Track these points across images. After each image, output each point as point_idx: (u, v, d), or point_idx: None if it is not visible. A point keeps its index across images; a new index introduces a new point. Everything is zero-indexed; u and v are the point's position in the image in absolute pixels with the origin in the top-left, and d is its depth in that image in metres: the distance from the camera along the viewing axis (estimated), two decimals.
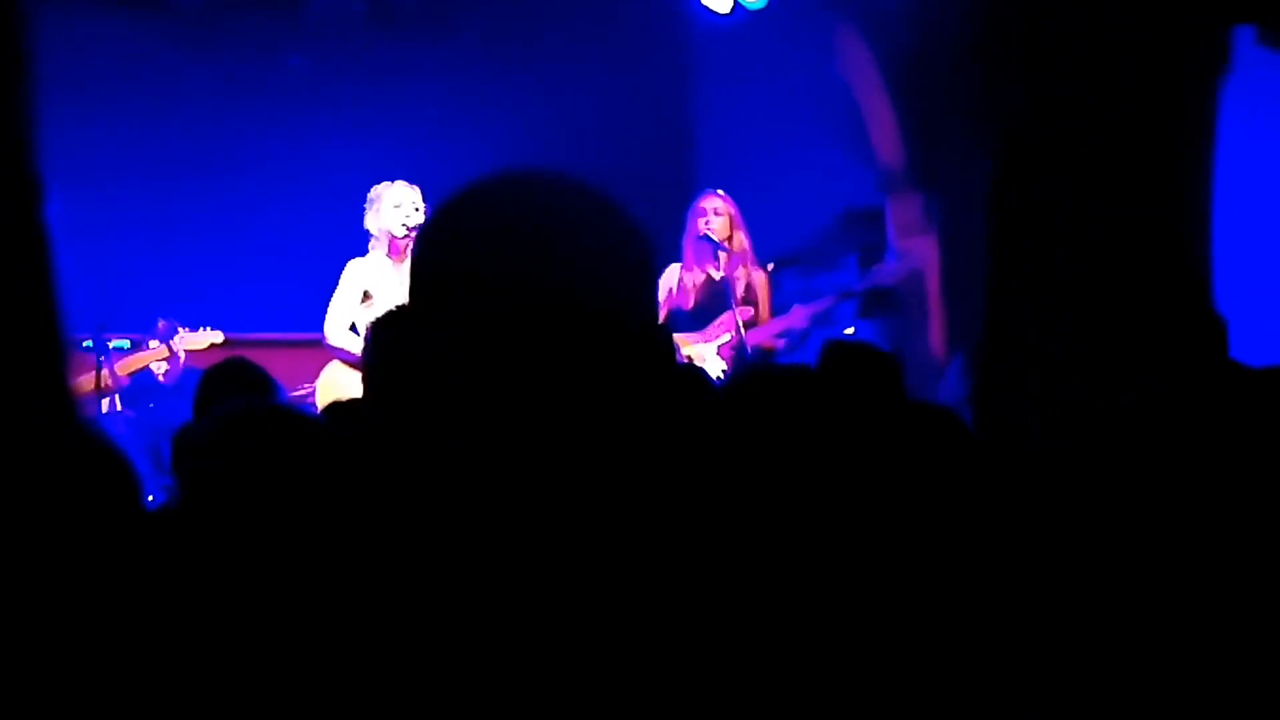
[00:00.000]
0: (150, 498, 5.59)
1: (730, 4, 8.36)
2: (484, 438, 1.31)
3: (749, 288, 6.77)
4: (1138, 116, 4.32)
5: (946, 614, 2.25)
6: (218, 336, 6.86)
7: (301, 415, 2.46)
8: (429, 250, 1.38)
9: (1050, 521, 2.50)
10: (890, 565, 2.36)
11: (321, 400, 6.46)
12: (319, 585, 1.80)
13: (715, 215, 6.75)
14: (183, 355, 6.83)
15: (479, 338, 1.30)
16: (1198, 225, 5.30)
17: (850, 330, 7.72)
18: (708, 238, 6.74)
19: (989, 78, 6.66)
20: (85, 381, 6.31)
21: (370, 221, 6.65)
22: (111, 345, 6.76)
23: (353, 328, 6.56)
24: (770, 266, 7.03)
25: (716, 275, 6.77)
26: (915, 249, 7.35)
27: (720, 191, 6.85)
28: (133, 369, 6.66)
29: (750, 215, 7.01)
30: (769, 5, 8.31)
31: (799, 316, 6.76)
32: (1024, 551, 2.41)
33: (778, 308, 6.95)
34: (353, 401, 3.87)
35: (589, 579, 1.30)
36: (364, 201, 6.68)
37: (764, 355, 6.64)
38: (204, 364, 5.33)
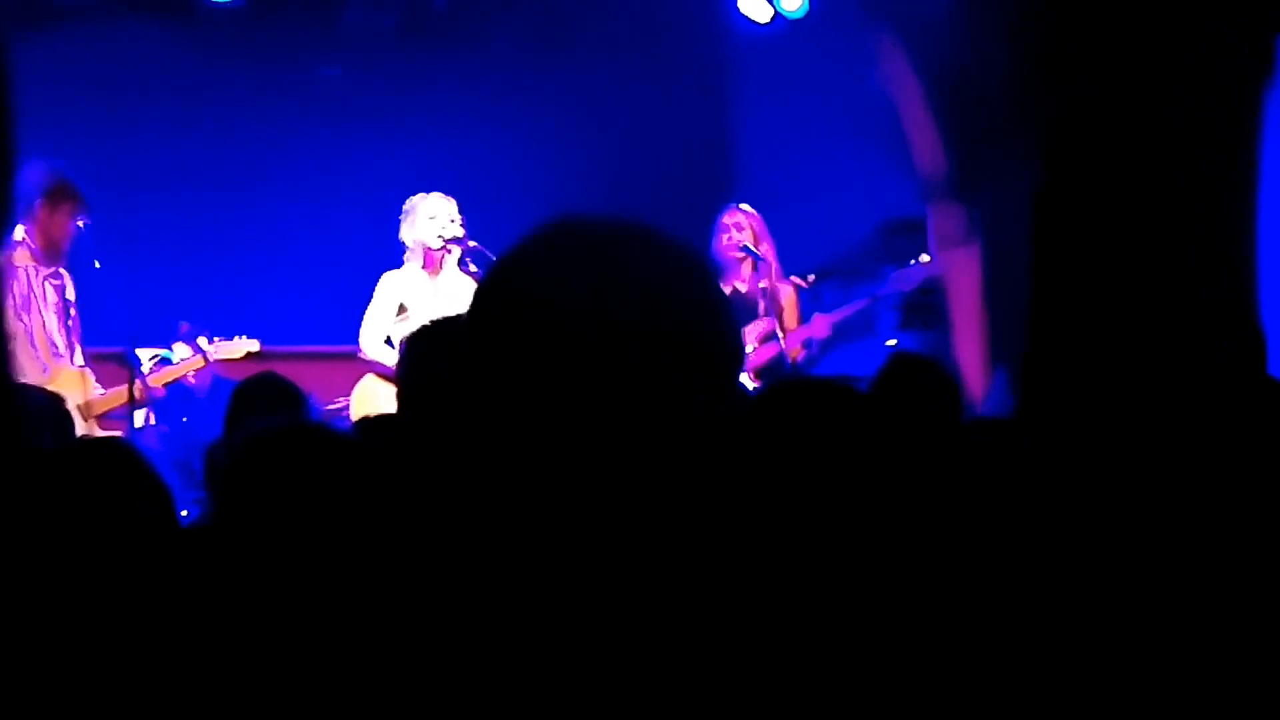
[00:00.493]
0: (185, 513, 5.57)
1: (770, 13, 8.31)
2: (525, 461, 1.30)
3: (774, 300, 6.73)
4: (1182, 126, 4.25)
5: (1005, 628, 2.21)
6: (253, 346, 6.85)
7: (333, 432, 2.47)
8: (492, 300, 1.35)
9: (1098, 535, 2.42)
10: (940, 577, 2.34)
11: (356, 413, 6.44)
12: (348, 603, 1.85)
13: (737, 230, 6.74)
14: (217, 365, 6.81)
15: (546, 378, 1.29)
16: (1243, 236, 5.21)
17: (892, 342, 7.66)
18: (747, 248, 6.71)
19: (1032, 86, 6.60)
20: (119, 394, 6.31)
21: (405, 233, 6.64)
22: (158, 356, 6.75)
23: (388, 340, 6.55)
24: (811, 278, 6.98)
25: (743, 288, 6.74)
26: (947, 258, 7.30)
27: (743, 206, 6.81)
28: (168, 381, 6.65)
29: (789, 226, 6.97)
30: (808, 14, 8.26)
31: (821, 325, 6.73)
32: (1074, 566, 2.30)
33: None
34: (385, 417, 3.86)
35: (632, 610, 1.29)
36: (399, 213, 6.66)
37: (789, 365, 6.61)
38: (238, 375, 5.31)
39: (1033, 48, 6.36)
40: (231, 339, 6.81)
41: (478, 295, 1.36)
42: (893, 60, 7.36)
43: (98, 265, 6.29)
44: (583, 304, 1.30)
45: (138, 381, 6.21)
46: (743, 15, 8.41)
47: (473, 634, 1.29)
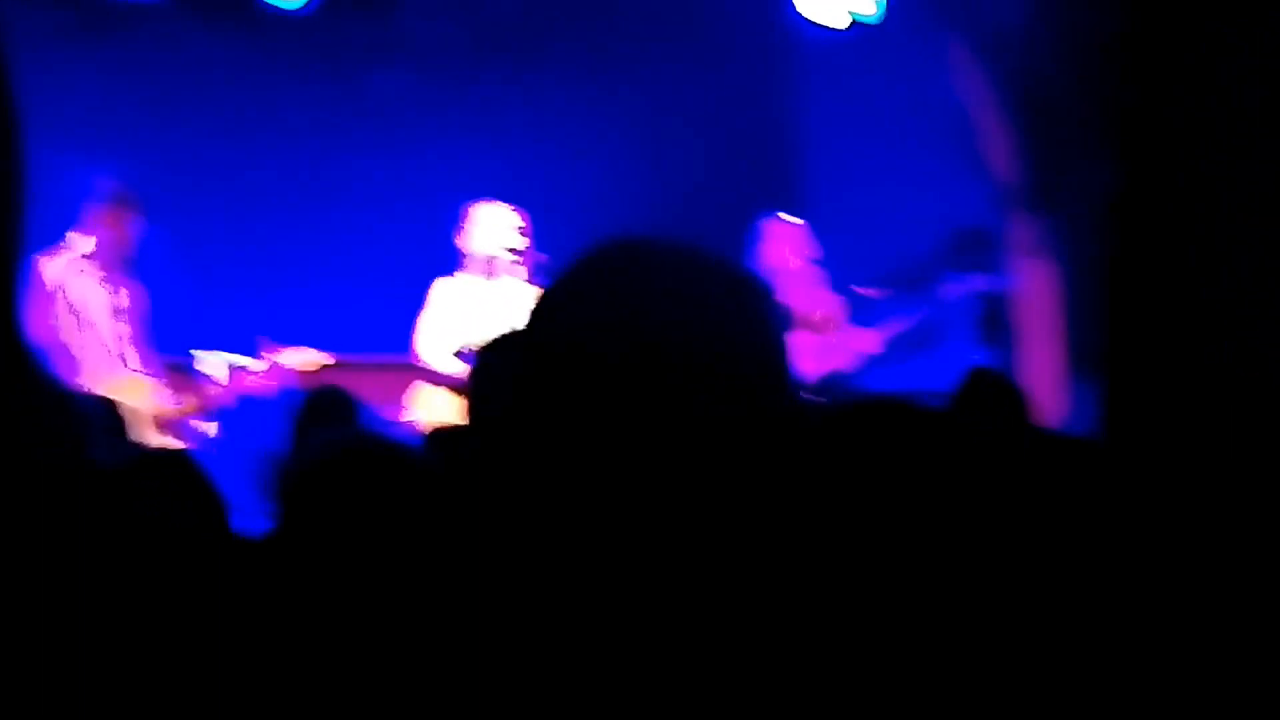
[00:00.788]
0: (251, 523, 5.54)
1: (849, 19, 8.23)
2: (593, 482, 1.31)
3: (814, 314, 6.66)
4: (1264, 132, 4.16)
5: (1086, 650, 2.17)
6: (320, 356, 6.84)
7: (398, 447, 2.49)
8: (543, 325, 1.36)
9: (1184, 554, 2.40)
10: (1021, 597, 2.27)
11: (411, 421, 6.41)
12: (408, 620, 1.86)
13: (780, 245, 6.67)
14: (285, 374, 6.80)
15: (599, 402, 1.30)
16: None
17: (967, 356, 7.56)
18: (779, 268, 6.63)
19: (1109, 93, 6.51)
20: (184, 403, 6.31)
21: (464, 241, 6.60)
22: (225, 363, 6.75)
23: (444, 349, 6.51)
24: (878, 288, 6.90)
25: (786, 302, 6.67)
26: (1022, 269, 7.22)
27: (786, 215, 6.73)
28: (235, 391, 6.63)
29: (857, 235, 6.91)
30: (881, 19, 8.18)
31: (871, 340, 6.62)
32: (1158, 589, 2.28)
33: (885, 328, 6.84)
34: (455, 429, 3.84)
35: (703, 633, 1.28)
36: (459, 221, 6.63)
37: (835, 380, 6.56)
38: (305, 385, 5.30)
39: (1110, 53, 6.26)
40: (299, 349, 6.79)
41: (530, 319, 1.37)
42: (967, 67, 7.29)
43: (161, 273, 6.31)
44: (634, 327, 1.30)
45: (202, 391, 6.21)
46: (810, 21, 8.33)
47: (527, 651, 1.28)
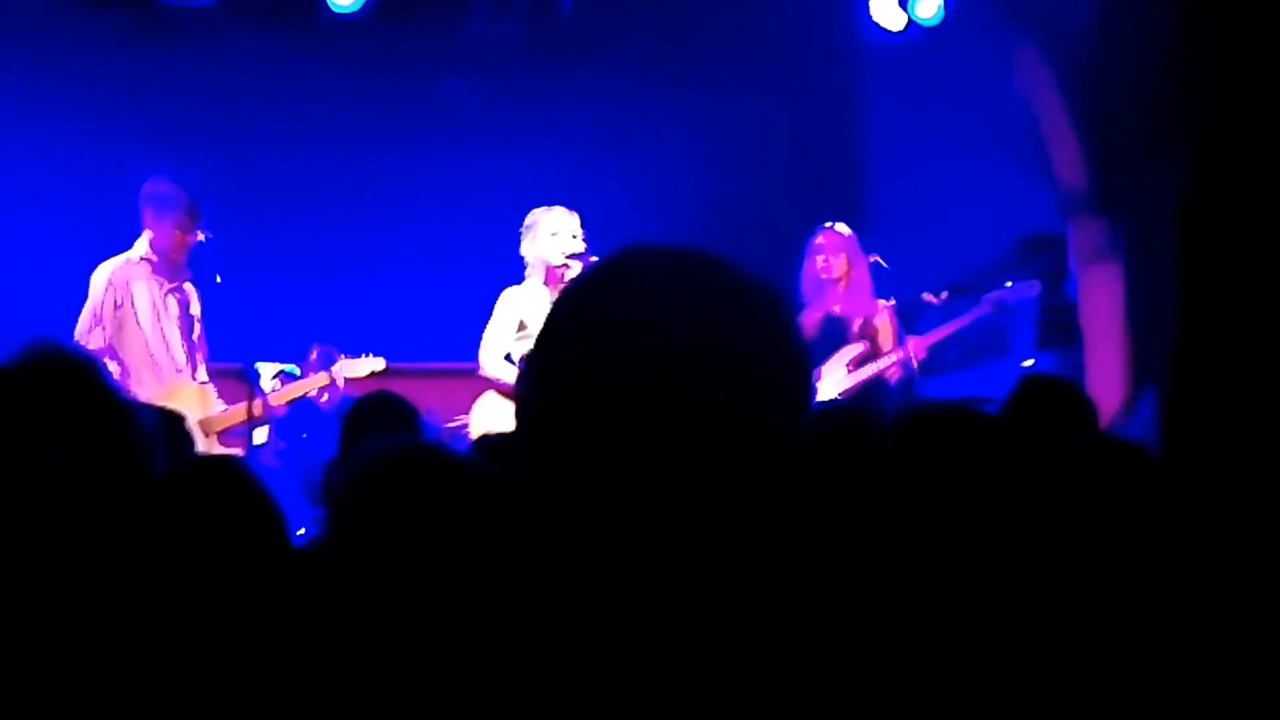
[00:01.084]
0: (302, 530, 5.56)
1: (904, 20, 8.17)
2: (632, 496, 1.30)
3: (866, 322, 6.61)
4: None
5: (1144, 662, 2.21)
6: (379, 364, 6.85)
7: (450, 454, 2.50)
8: (554, 331, 1.37)
9: (1250, 564, 2.46)
10: (1082, 610, 2.33)
11: (476, 431, 6.40)
12: (460, 631, 1.79)
13: (829, 254, 6.62)
14: (342, 383, 6.82)
15: (611, 413, 1.30)
16: None
17: (1029, 362, 7.49)
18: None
19: (1177, 97, 6.43)
20: (238, 411, 6.32)
21: (527, 249, 6.60)
22: (281, 371, 6.77)
23: (508, 357, 6.50)
24: (943, 295, 6.83)
25: (837, 310, 6.63)
26: (1088, 274, 7.13)
27: (835, 226, 6.68)
28: (290, 398, 6.65)
29: (922, 241, 6.84)
30: (943, 22, 8.12)
31: (916, 347, 6.57)
32: (1224, 596, 2.37)
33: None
34: (503, 436, 3.82)
35: (754, 638, 1.28)
36: (521, 228, 6.62)
37: (881, 387, 6.51)
38: (359, 392, 5.29)
39: (1178, 57, 6.16)
40: (357, 357, 6.80)
41: (545, 324, 1.38)
42: (1033, 70, 7.22)
43: (219, 280, 6.32)
44: (640, 336, 1.31)
45: (258, 398, 6.21)
46: (874, 24, 8.28)
47: (567, 662, 1.28)
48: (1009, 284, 6.91)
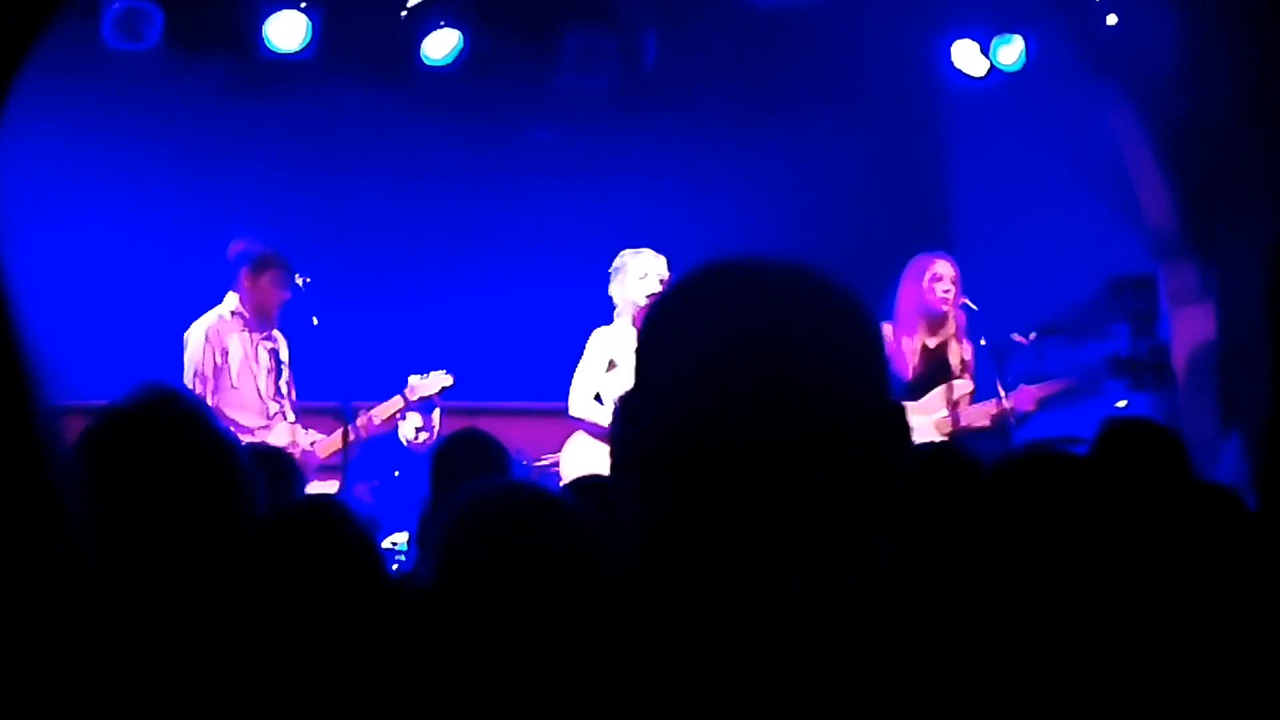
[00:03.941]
0: (395, 566, 5.62)
1: (986, 66, 8.17)
2: (725, 525, 1.29)
3: (963, 362, 6.50)
4: None
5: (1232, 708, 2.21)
6: (448, 380, 6.89)
7: (548, 495, 2.48)
8: (657, 333, 1.38)
9: None
10: (1173, 653, 2.31)
11: (567, 472, 6.43)
12: (561, 672, 1.76)
13: (952, 283, 6.48)
14: (415, 397, 6.85)
15: (710, 424, 1.29)
16: None
17: (1123, 403, 7.40)
18: (965, 306, 6.48)
19: (1266, 137, 6.37)
20: (331, 443, 6.47)
21: (615, 290, 6.66)
22: (377, 409, 6.84)
23: (598, 397, 6.54)
24: (1032, 335, 6.76)
25: (933, 344, 6.50)
26: (1180, 317, 7.05)
27: (948, 256, 6.59)
28: (375, 422, 6.72)
29: (1009, 282, 6.78)
30: (1025, 67, 8.10)
31: (1025, 398, 6.42)
32: None
33: (1040, 378, 6.67)
34: (596, 478, 3.82)
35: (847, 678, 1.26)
36: (608, 270, 6.68)
37: (989, 433, 6.38)
38: (452, 431, 5.33)
39: (1267, 97, 6.10)
40: (426, 374, 6.85)
41: (639, 337, 1.39)
42: (1119, 111, 7.17)
43: (316, 322, 6.45)
44: (733, 343, 1.30)
45: (352, 437, 6.32)
46: (956, 69, 8.28)
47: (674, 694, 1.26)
48: (1117, 326, 6.81)
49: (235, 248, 6.53)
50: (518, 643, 2.16)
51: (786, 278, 1.37)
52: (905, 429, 1.33)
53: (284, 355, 6.62)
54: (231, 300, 6.49)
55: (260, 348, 6.51)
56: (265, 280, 6.46)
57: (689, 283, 1.38)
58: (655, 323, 1.38)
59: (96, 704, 1.18)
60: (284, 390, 6.56)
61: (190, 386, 6.25)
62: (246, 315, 6.48)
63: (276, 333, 6.61)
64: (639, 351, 1.38)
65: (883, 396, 1.34)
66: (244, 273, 6.47)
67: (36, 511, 1.09)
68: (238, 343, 6.44)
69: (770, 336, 1.31)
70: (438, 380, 6.82)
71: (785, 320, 1.32)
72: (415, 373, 6.85)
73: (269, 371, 6.52)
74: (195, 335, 6.42)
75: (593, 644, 1.41)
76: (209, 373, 6.35)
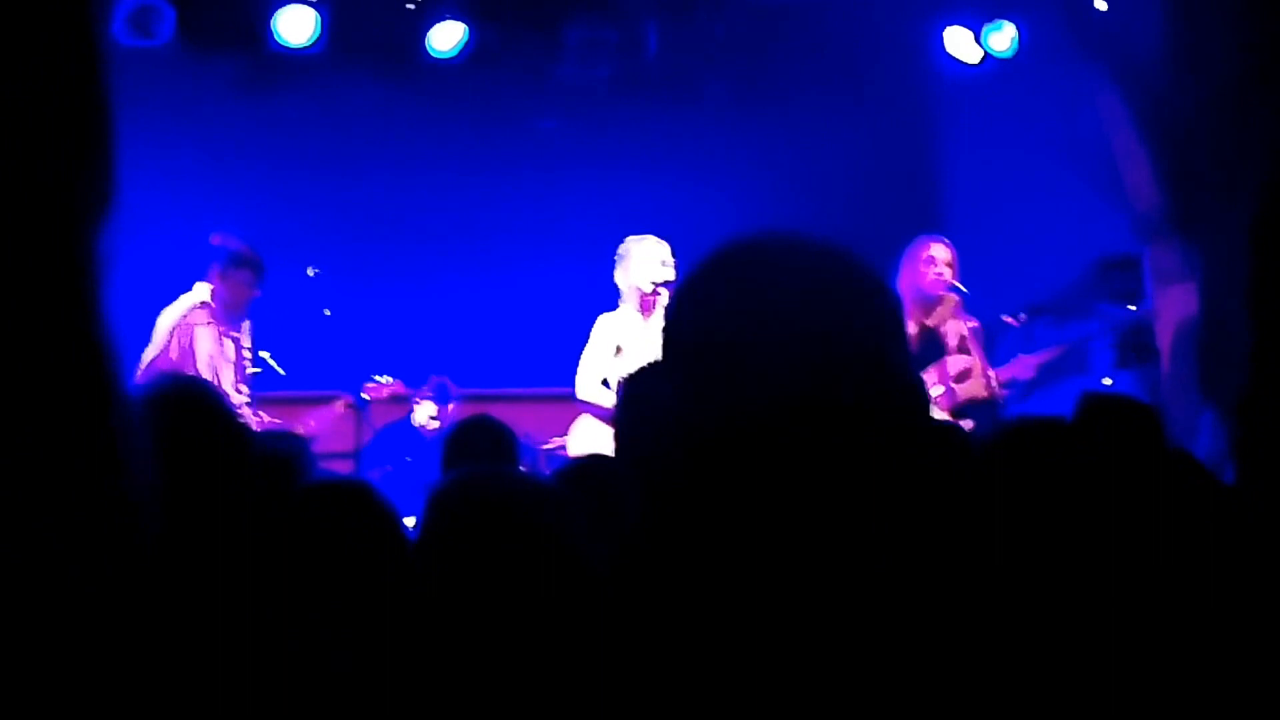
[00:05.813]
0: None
1: (980, 54, 8.27)
2: (746, 499, 1.29)
3: (962, 338, 6.57)
4: None
5: (1208, 675, 2.22)
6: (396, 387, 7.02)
7: (528, 482, 2.52)
8: (684, 312, 1.37)
9: None
10: (1148, 621, 2.34)
11: (573, 453, 6.52)
12: (546, 670, 1.82)
13: (946, 265, 6.52)
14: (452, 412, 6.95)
15: (737, 400, 1.29)
16: None
17: (1108, 381, 7.50)
18: (955, 287, 6.56)
19: (1249, 118, 6.45)
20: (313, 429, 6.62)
21: (620, 276, 6.72)
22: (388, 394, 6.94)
23: (604, 382, 6.65)
24: (1022, 316, 6.85)
25: (929, 324, 6.60)
26: (1163, 295, 7.11)
27: (934, 238, 6.68)
28: (383, 397, 6.83)
29: (999, 263, 6.83)
30: (1017, 54, 8.20)
31: (1024, 366, 6.53)
32: None
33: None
34: (586, 461, 3.87)
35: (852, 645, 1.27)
36: (612, 257, 6.79)
37: (984, 406, 6.42)
38: (462, 417, 5.45)
39: (1250, 79, 6.21)
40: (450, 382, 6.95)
41: (666, 312, 1.39)
42: (1106, 96, 7.25)
43: (328, 313, 6.55)
44: (758, 318, 1.30)
45: (364, 423, 6.39)
46: (950, 56, 8.39)
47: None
48: (1104, 305, 6.87)
49: (214, 240, 6.59)
50: (487, 629, 2.19)
51: (812, 254, 1.36)
52: (926, 401, 1.36)
53: (246, 342, 6.67)
54: (202, 291, 6.53)
55: (226, 340, 6.57)
56: (238, 278, 6.51)
57: (716, 260, 1.37)
58: (684, 298, 1.37)
59: (149, 667, 1.21)
60: (239, 385, 6.60)
61: (147, 371, 6.28)
62: (214, 307, 6.52)
63: (245, 323, 6.68)
64: (666, 328, 1.37)
65: (905, 369, 1.35)
66: (218, 267, 6.52)
67: (116, 486, 1.12)
68: (205, 336, 6.48)
69: (799, 311, 1.30)
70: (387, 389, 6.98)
71: (812, 295, 1.32)
72: (427, 362, 6.93)
73: (234, 365, 6.58)
74: (162, 323, 6.47)
75: (575, 626, 1.45)
76: (167, 362, 6.36)
